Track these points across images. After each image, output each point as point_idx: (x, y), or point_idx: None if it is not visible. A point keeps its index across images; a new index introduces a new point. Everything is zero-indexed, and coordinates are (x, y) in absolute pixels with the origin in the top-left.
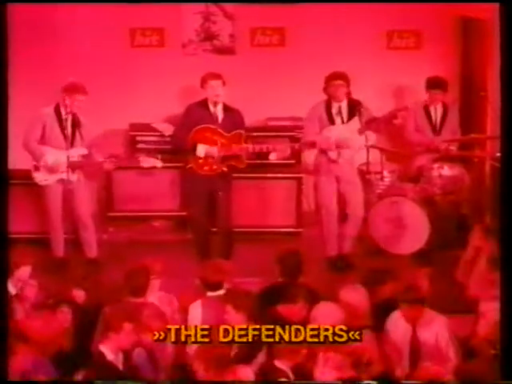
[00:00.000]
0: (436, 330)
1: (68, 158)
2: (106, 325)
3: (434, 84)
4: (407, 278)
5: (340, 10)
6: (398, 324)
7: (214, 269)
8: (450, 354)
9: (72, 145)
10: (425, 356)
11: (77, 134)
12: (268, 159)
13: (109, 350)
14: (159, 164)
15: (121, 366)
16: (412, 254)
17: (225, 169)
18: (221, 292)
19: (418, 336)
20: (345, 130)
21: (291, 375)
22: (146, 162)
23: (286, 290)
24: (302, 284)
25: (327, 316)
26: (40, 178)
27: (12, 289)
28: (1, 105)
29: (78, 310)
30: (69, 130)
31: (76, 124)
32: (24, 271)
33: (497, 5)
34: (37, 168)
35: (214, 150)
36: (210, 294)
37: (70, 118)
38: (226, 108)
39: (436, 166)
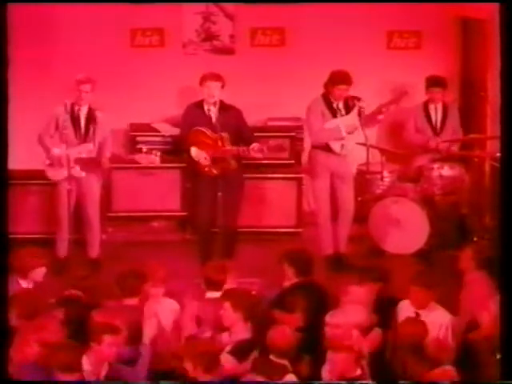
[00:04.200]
0: (439, 321)
1: (77, 154)
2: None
3: (434, 82)
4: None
5: (340, 10)
6: (403, 312)
7: (217, 268)
8: (449, 347)
9: (84, 141)
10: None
11: (90, 130)
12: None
13: (87, 361)
14: (157, 160)
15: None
16: (412, 254)
17: (215, 171)
18: (220, 293)
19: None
20: (347, 120)
21: (290, 367)
22: (144, 159)
23: (286, 298)
24: (315, 288)
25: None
26: (52, 173)
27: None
28: (1, 105)
29: (77, 311)
30: (82, 127)
31: (91, 120)
32: (38, 273)
33: (497, 5)
34: (50, 165)
35: (202, 156)
36: (209, 294)
37: (83, 113)
38: (223, 107)
39: (436, 166)
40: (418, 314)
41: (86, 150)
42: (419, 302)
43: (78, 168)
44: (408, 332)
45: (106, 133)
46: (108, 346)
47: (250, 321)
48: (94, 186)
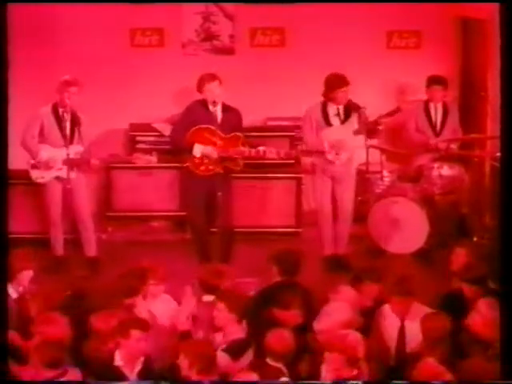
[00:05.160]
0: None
1: (65, 155)
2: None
3: (435, 80)
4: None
5: (340, 10)
6: (386, 317)
7: (214, 272)
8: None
9: (71, 143)
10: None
11: (76, 132)
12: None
13: (119, 357)
14: (154, 160)
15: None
16: (411, 253)
17: (220, 170)
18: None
19: (406, 329)
20: (341, 132)
21: (285, 370)
22: (141, 159)
23: (282, 294)
24: (299, 288)
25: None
26: (37, 175)
27: (13, 293)
28: (1, 105)
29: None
30: (67, 128)
31: (75, 122)
32: (25, 276)
33: (497, 5)
34: (34, 166)
35: (211, 151)
36: (206, 298)
37: (68, 115)
38: (225, 108)
39: (436, 165)
40: (403, 324)
41: (74, 152)
42: (401, 311)
43: (66, 169)
44: (430, 326)
45: (93, 134)
46: (136, 341)
47: (244, 321)
48: (84, 187)
